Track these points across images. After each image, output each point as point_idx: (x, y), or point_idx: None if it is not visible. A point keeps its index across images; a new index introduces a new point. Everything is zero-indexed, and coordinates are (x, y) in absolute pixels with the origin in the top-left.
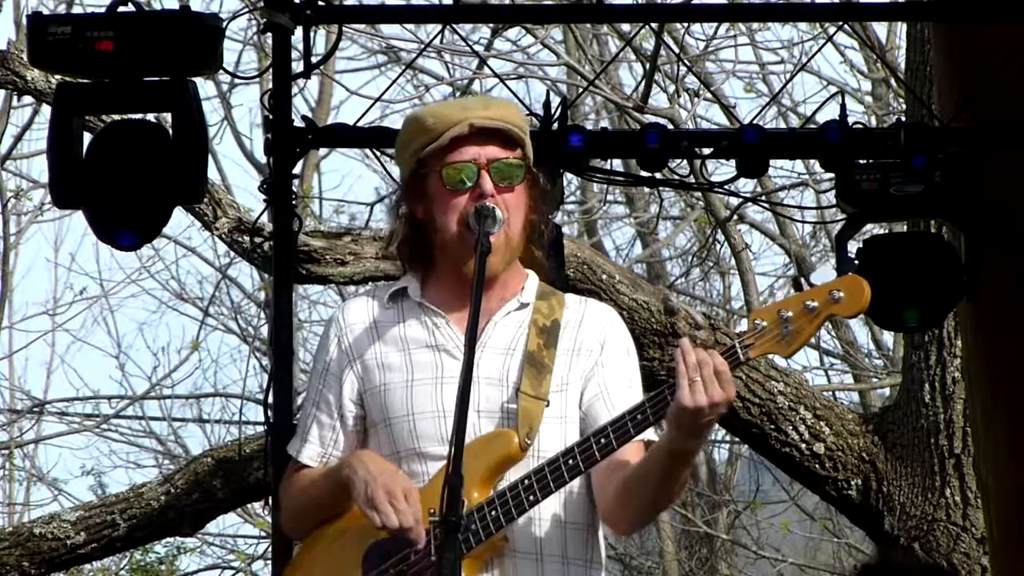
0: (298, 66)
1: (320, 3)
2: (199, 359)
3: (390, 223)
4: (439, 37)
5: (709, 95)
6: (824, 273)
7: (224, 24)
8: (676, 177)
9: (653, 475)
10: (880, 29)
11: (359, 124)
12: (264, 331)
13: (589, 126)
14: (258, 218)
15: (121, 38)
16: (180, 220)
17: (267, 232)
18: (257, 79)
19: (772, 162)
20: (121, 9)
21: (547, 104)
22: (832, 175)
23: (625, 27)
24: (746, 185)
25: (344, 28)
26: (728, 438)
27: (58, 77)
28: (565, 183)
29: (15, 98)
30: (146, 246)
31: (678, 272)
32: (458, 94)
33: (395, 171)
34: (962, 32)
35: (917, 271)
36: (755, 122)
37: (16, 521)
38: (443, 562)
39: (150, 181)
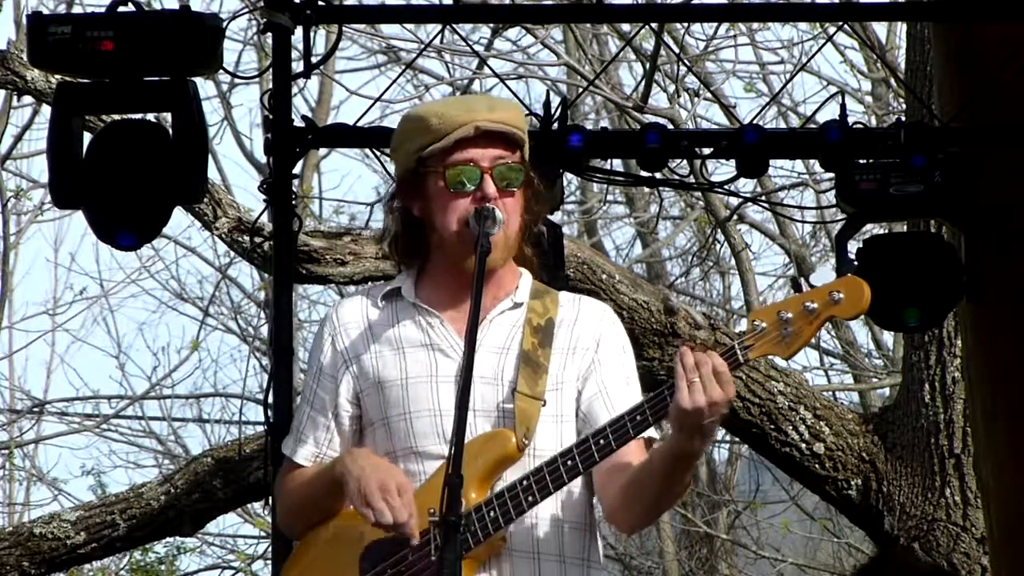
0: (298, 66)
1: (320, 3)
2: (199, 359)
3: (384, 219)
4: (439, 37)
5: (709, 95)
6: (824, 274)
7: (224, 24)
8: (676, 177)
9: (657, 476)
10: (880, 29)
11: (359, 124)
12: (264, 331)
13: (589, 126)
14: (258, 218)
15: (121, 38)
16: (180, 220)
17: (267, 232)
18: (257, 79)
19: (772, 162)
20: (121, 9)
21: (547, 104)
22: (832, 175)
23: (625, 27)
24: (746, 185)
25: (344, 28)
26: (728, 438)
27: (58, 77)
28: (565, 183)
29: (15, 98)
30: (146, 246)
31: (678, 272)
32: (458, 94)
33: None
34: (962, 32)
35: (917, 271)
36: (755, 122)
37: (16, 521)
38: (443, 562)
39: (150, 181)
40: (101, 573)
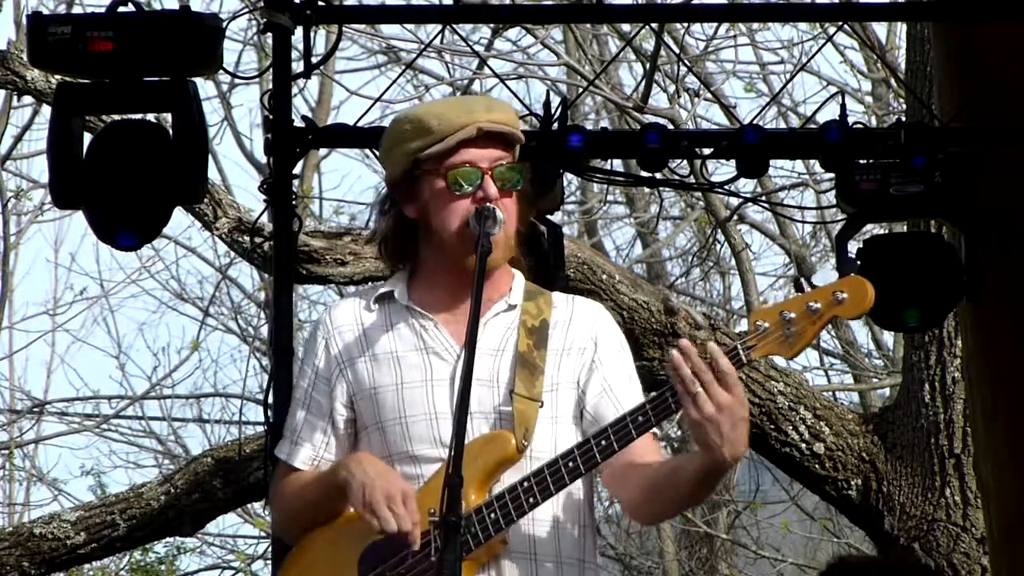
0: (298, 66)
1: (320, 3)
2: (199, 359)
3: (375, 221)
4: (439, 37)
5: (709, 95)
6: (825, 274)
7: (224, 24)
8: (676, 177)
9: (685, 485)
10: (880, 29)
11: (359, 124)
12: (264, 331)
13: (589, 126)
14: (258, 218)
15: (121, 38)
16: (180, 220)
17: (267, 232)
18: (257, 79)
19: (772, 162)
20: (121, 9)
21: (547, 104)
22: (832, 175)
23: (625, 27)
24: (746, 185)
25: (344, 28)
26: None
27: (58, 77)
28: (565, 183)
29: (15, 98)
30: (146, 246)
31: (678, 272)
32: (458, 94)
33: None
34: (962, 32)
35: (917, 271)
36: (755, 122)
37: (16, 521)
38: (443, 563)
39: (150, 181)
40: (101, 573)
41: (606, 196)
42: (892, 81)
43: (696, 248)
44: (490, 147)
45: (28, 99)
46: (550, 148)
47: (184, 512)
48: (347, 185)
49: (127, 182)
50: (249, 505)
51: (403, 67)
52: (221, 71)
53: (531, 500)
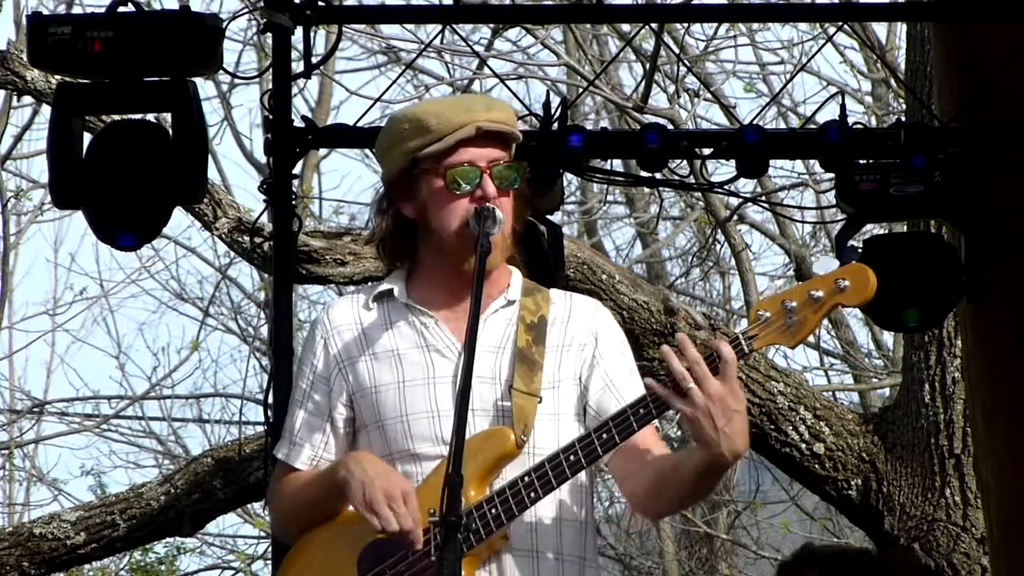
0: (298, 66)
1: (320, 3)
2: (199, 359)
3: (372, 220)
4: (439, 37)
5: (709, 95)
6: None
7: (224, 24)
8: (676, 177)
9: (687, 482)
10: (880, 29)
11: (359, 124)
12: (264, 331)
13: (589, 126)
14: (258, 218)
15: (121, 38)
16: (180, 220)
17: (267, 232)
18: (257, 79)
19: (772, 162)
20: (121, 9)
21: (547, 104)
22: (832, 175)
23: (625, 27)
24: (746, 185)
25: (344, 28)
26: None
27: (58, 77)
28: (565, 183)
29: (15, 98)
30: (146, 246)
31: (678, 272)
32: (458, 94)
33: None
34: (962, 32)
35: (917, 271)
36: (755, 122)
37: (16, 521)
38: (443, 563)
39: (150, 181)
40: (101, 573)
41: (606, 196)
42: (892, 81)
43: (696, 248)
44: (488, 146)
45: (28, 99)
46: (550, 148)
47: (184, 512)
48: (347, 185)
49: (127, 182)
50: (249, 505)
51: (403, 67)
52: (221, 71)
53: (532, 495)
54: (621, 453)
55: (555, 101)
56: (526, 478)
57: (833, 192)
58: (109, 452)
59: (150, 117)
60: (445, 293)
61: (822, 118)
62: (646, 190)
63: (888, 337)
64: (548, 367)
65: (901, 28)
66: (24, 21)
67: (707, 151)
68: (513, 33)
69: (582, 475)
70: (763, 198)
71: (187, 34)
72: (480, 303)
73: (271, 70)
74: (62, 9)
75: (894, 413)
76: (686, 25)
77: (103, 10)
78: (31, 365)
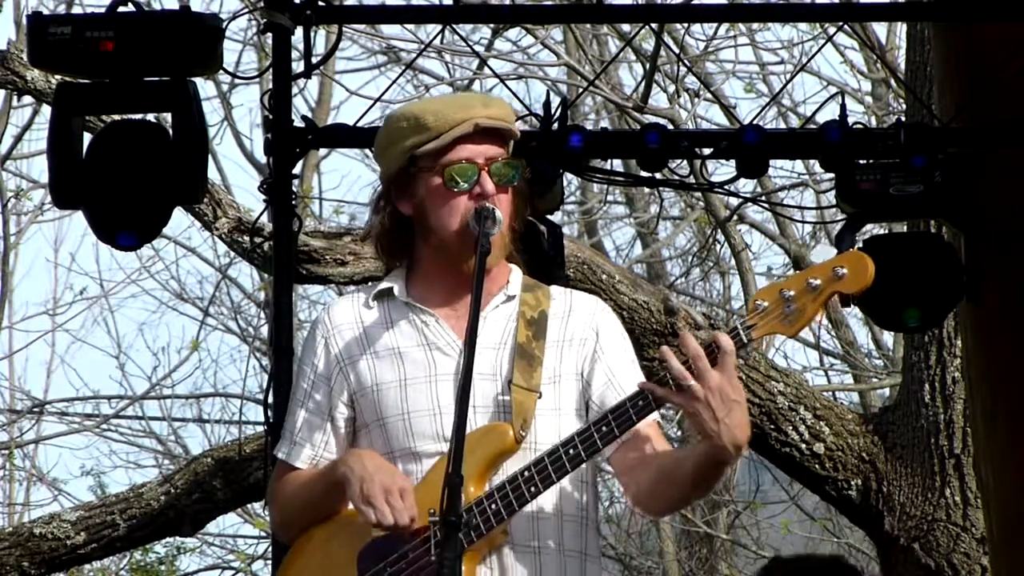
0: (298, 66)
1: (320, 3)
2: (199, 359)
3: (370, 218)
4: (439, 37)
5: (709, 95)
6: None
7: (224, 24)
8: (676, 177)
9: (688, 478)
10: (880, 29)
11: (359, 124)
12: (264, 331)
13: (589, 126)
14: (258, 218)
15: (121, 38)
16: (180, 220)
17: (267, 232)
18: (257, 79)
19: (772, 162)
20: (121, 9)
21: (547, 104)
22: (832, 175)
23: (625, 27)
24: (746, 185)
25: (344, 28)
26: None
27: (58, 77)
28: (565, 183)
29: (15, 98)
30: (146, 246)
31: (678, 272)
32: (457, 93)
33: None
34: (962, 32)
35: (917, 271)
36: (755, 122)
37: (16, 521)
38: (443, 561)
39: (150, 181)
40: (101, 573)
41: (606, 196)
42: (892, 81)
43: (696, 248)
44: (487, 143)
45: (28, 99)
46: (550, 148)
47: (184, 512)
48: (347, 185)
49: (127, 182)
50: (249, 505)
51: (403, 67)
52: (221, 71)
53: (532, 489)
54: (621, 446)
55: (555, 101)
56: (526, 473)
57: (833, 192)
58: (109, 452)
59: (150, 117)
60: (445, 291)
61: (822, 118)
62: (646, 190)
63: (888, 337)
64: (548, 362)
65: (901, 28)
66: (24, 21)
67: (707, 151)
68: (513, 33)
69: (585, 471)
70: (763, 198)
71: (187, 34)
72: (479, 303)
73: (271, 70)
74: (62, 9)
75: (894, 413)
76: (686, 25)
77: (103, 10)
78: (31, 365)
